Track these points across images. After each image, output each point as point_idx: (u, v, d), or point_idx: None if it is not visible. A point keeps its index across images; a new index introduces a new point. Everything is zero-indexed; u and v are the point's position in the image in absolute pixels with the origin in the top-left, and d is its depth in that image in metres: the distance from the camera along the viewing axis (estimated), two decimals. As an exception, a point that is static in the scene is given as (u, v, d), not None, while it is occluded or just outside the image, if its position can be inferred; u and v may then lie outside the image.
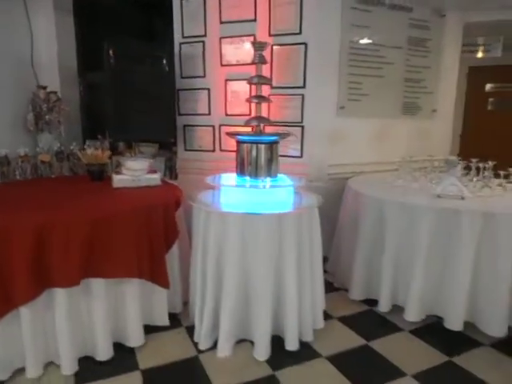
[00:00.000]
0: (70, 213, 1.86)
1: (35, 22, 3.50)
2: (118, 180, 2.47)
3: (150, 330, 2.14)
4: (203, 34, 3.12)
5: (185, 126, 3.33)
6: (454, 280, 2.11)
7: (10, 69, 3.36)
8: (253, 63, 2.14)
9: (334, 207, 2.94)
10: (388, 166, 3.14)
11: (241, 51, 3.04)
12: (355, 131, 3.15)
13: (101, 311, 1.87)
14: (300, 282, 1.99)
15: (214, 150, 3.27)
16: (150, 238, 2.03)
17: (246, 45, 3.00)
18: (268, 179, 2.14)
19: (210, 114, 3.22)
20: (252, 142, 2.08)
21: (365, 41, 3.04)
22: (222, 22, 3.05)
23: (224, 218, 1.91)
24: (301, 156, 3.04)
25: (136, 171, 2.51)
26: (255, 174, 2.11)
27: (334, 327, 2.27)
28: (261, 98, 2.15)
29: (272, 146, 2.14)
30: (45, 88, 3.32)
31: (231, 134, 2.11)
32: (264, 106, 3.01)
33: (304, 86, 2.93)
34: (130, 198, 2.22)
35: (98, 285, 1.85)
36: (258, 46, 2.10)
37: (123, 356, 1.96)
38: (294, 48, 2.90)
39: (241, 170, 2.13)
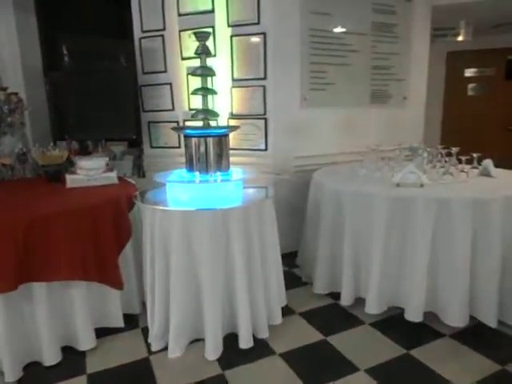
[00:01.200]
0: (3, 214, 1.80)
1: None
2: (71, 180, 2.41)
3: (104, 332, 2.09)
4: (162, 27, 3.05)
5: (149, 122, 3.27)
6: (412, 270, 2.05)
7: (-29, 71, 3.31)
8: (196, 54, 2.07)
9: (301, 200, 2.88)
10: (358, 156, 3.07)
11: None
12: (321, 122, 3.08)
13: (44, 315, 1.82)
14: (250, 278, 1.93)
15: (179, 147, 3.20)
16: (97, 237, 1.97)
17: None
18: (218, 174, 2.08)
19: (173, 109, 3.16)
20: (199, 136, 2.02)
21: (326, 28, 2.97)
22: (180, 15, 2.98)
23: (167, 216, 1.85)
24: (265, 149, 2.97)
25: (90, 170, 2.45)
26: (204, 169, 2.05)
27: (294, 323, 2.21)
28: (206, 91, 2.08)
29: (221, 139, 2.08)
30: (5, 89, 3.24)
31: (177, 129, 2.04)
32: (226, 98, 2.96)
33: (265, 78, 2.86)
34: (78, 198, 2.16)
35: (39, 288, 1.80)
36: (200, 37, 2.04)
37: (72, 360, 1.92)
38: (252, 38, 2.83)
39: (190, 165, 2.07)
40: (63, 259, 1.83)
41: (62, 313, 1.91)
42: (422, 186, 2.18)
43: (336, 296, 2.40)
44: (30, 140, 3.59)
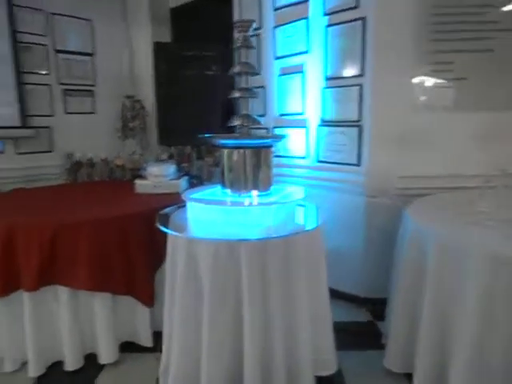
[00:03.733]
0: (37, 217, 1.88)
1: (135, 36, 3.83)
2: (139, 185, 2.43)
3: (133, 348, 2.00)
4: (259, 25, 2.80)
5: (243, 128, 3.07)
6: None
7: (113, 80, 3.79)
8: (235, 48, 1.73)
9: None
10: (501, 180, 2.14)
11: (292, 39, 2.60)
12: (443, 131, 2.26)
13: (67, 320, 1.82)
14: (265, 330, 1.49)
15: (268, 156, 2.90)
16: (127, 249, 1.89)
17: (297, 31, 2.54)
18: (254, 193, 1.70)
19: (265, 114, 2.88)
20: (232, 147, 1.68)
21: (460, 3, 2.14)
22: (275, 9, 2.67)
23: (175, 241, 1.59)
24: (358, 164, 2.37)
25: (157, 177, 2.41)
26: (236, 187, 1.70)
27: (333, 403, 1.64)
28: (244, 92, 1.72)
29: (259, 151, 1.69)
30: (131, 97, 3.60)
31: (208, 137, 1.74)
32: (315, 101, 2.51)
33: (362, 74, 2.27)
34: (125, 206, 2.13)
35: (63, 294, 1.81)
36: (240, 26, 1.69)
37: (89, 371, 1.88)
38: (348, 26, 2.28)
39: (222, 181, 1.75)
40: (85, 268, 1.80)
41: (85, 321, 1.88)
42: None
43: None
44: (154, 144, 3.92)
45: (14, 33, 3.13)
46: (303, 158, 2.66)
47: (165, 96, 2.93)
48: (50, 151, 3.50)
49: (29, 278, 1.75)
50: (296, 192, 1.78)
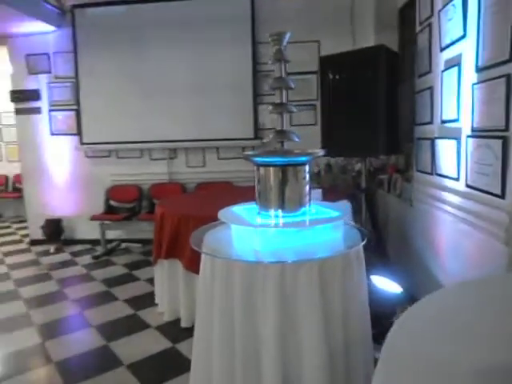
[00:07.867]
0: (178, 207, 2.54)
1: (359, 46, 3.91)
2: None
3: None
4: (430, 13, 2.26)
5: (418, 139, 2.56)
6: None
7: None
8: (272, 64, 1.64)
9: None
10: None
11: (452, 23, 1.96)
12: None
13: (181, 289, 2.43)
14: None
15: (431, 173, 2.31)
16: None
17: (456, 10, 1.91)
18: (280, 213, 1.61)
19: (432, 122, 2.30)
20: (262, 165, 1.67)
21: None
22: (443, -13, 2.09)
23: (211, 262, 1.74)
24: (501, 195, 1.55)
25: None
26: (265, 206, 1.67)
27: None
28: (279, 107, 1.62)
29: (286, 169, 1.59)
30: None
31: (247, 156, 1.75)
32: (467, 102, 1.85)
33: (510, 59, 1.47)
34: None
35: (180, 267, 2.42)
36: (274, 39, 1.58)
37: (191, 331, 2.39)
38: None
39: (256, 199, 1.75)
40: (187, 253, 2.32)
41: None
42: None
43: None
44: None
45: (255, 65, 4.02)
46: (454, 179, 1.98)
47: (328, 106, 2.87)
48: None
49: (162, 249, 2.48)
50: (335, 217, 1.52)
